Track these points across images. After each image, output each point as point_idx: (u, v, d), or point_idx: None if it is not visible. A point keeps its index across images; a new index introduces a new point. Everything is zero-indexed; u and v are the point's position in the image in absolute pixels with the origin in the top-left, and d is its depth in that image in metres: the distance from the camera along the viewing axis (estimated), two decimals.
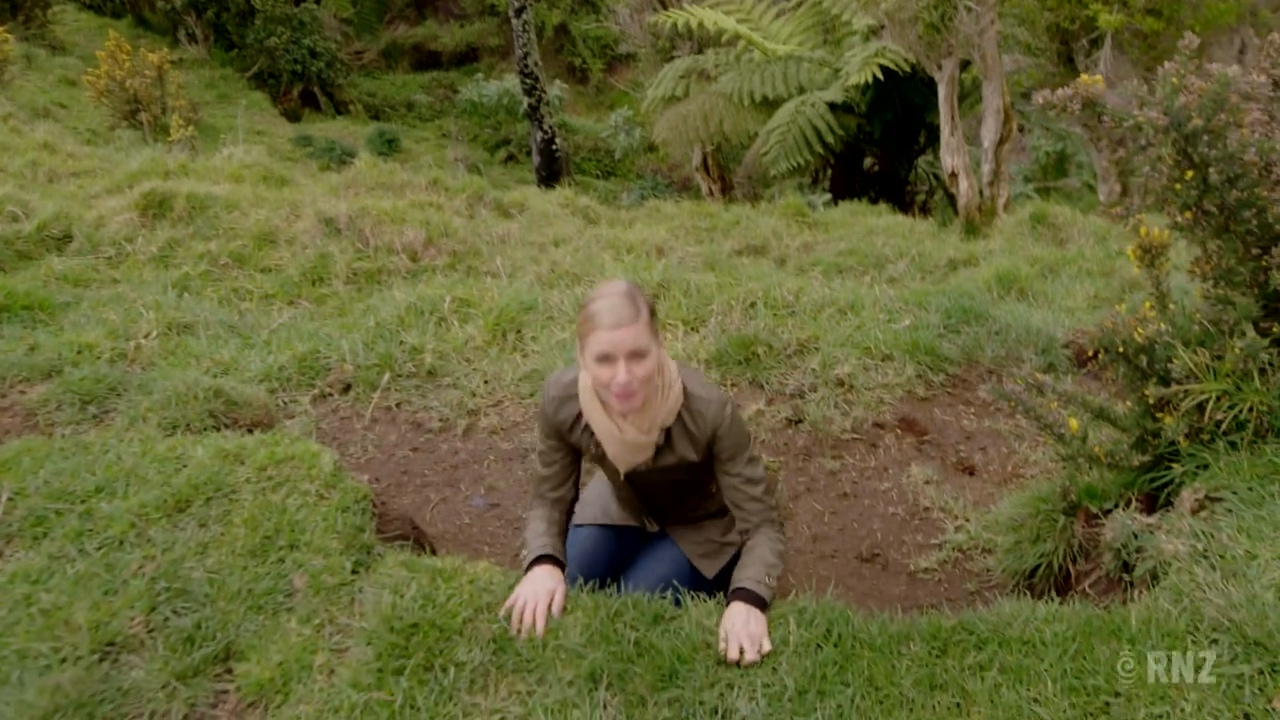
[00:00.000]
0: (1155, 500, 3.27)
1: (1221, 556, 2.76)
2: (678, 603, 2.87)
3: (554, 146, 17.36)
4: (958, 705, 2.48)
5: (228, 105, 22.31)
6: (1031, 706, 2.44)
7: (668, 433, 2.85)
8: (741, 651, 2.60)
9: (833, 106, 15.29)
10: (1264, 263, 3.13)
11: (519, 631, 2.70)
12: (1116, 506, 3.30)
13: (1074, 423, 3.31)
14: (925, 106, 15.98)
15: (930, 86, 14.77)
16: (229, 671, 2.74)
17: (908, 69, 14.36)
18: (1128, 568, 3.06)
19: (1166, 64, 3.23)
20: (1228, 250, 3.19)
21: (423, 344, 4.86)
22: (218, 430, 3.78)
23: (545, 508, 3.06)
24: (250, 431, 3.76)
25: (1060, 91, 3.30)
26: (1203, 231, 3.26)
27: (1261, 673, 2.44)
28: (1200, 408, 3.14)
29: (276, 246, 7.60)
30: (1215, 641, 2.55)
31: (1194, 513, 2.99)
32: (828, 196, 16.75)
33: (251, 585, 2.91)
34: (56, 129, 13.61)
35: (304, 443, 3.39)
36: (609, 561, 3.17)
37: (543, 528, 3.00)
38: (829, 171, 18.36)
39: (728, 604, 2.73)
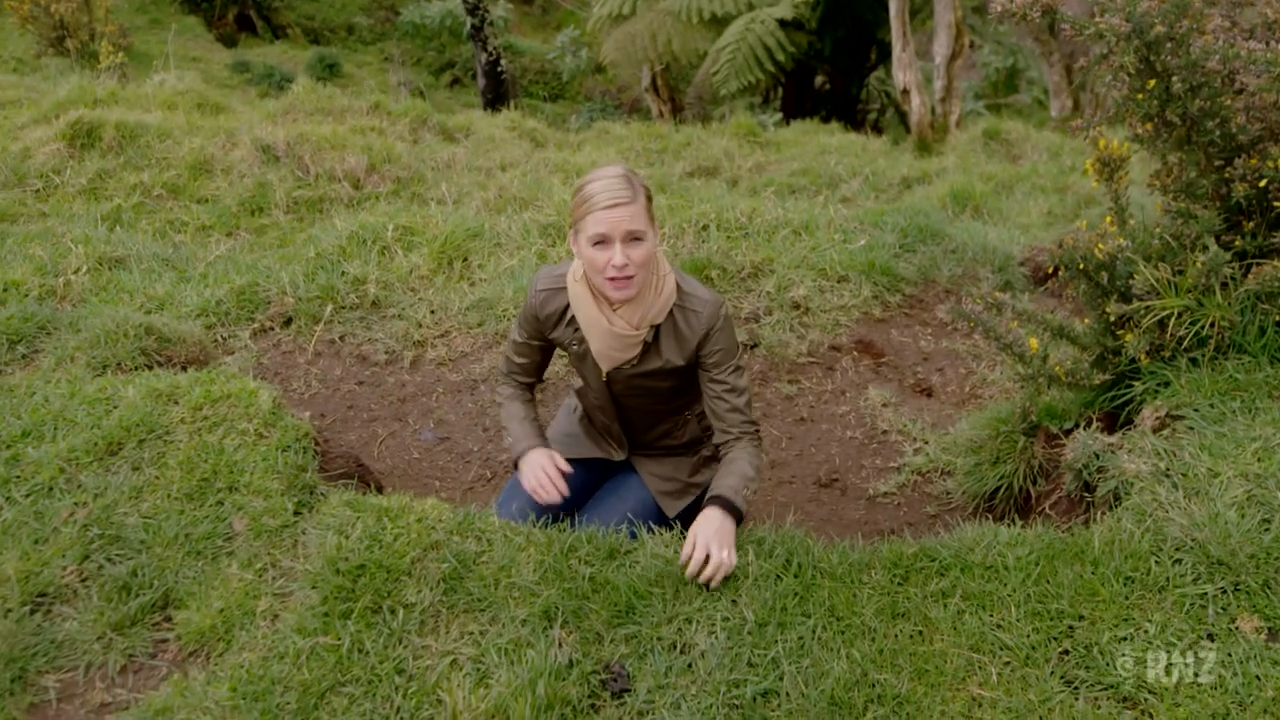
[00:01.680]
0: (1116, 419, 3.23)
1: (1184, 475, 2.72)
2: (634, 536, 2.80)
3: (499, 69, 16.93)
4: (920, 633, 2.44)
5: (160, 31, 21.50)
6: (995, 632, 2.41)
7: (656, 332, 2.75)
8: (707, 559, 2.52)
9: (783, 23, 15.06)
10: (1226, 174, 3.06)
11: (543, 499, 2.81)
12: (1077, 426, 3.26)
13: (1034, 342, 3.25)
14: (876, 23, 15.79)
15: (881, 2, 14.57)
16: (168, 620, 2.64)
17: None
18: (1089, 488, 3.02)
19: None
20: (1189, 162, 3.11)
21: (366, 274, 4.69)
22: (150, 369, 3.62)
23: (520, 393, 3.05)
24: (185, 370, 3.61)
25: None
26: (1164, 143, 3.19)
27: (1224, 592, 2.42)
28: (1161, 324, 3.08)
29: (213, 176, 7.33)
30: (1179, 561, 2.52)
31: (1155, 431, 2.95)
32: (779, 116, 16.55)
33: (189, 530, 2.80)
34: None
35: (241, 380, 3.25)
36: (569, 499, 3.06)
37: (525, 426, 2.96)
38: (780, 91, 18.15)
39: (703, 509, 2.65)
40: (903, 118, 15.14)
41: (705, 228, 5.03)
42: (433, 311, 4.57)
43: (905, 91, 12.08)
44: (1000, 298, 3.36)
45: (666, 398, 2.93)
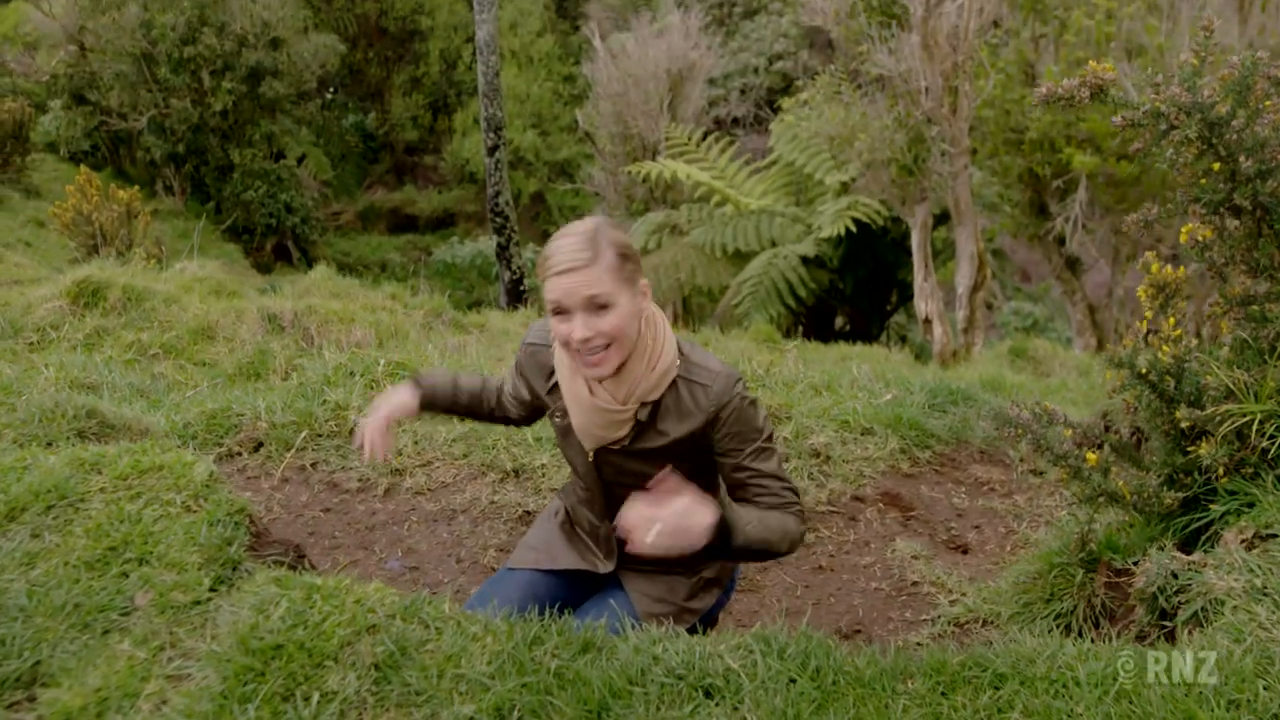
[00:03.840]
0: (1190, 551, 2.75)
1: None
2: (616, 631, 2.30)
3: (521, 287, 17.08)
4: None
5: (199, 256, 22.10)
6: None
7: (654, 408, 2.28)
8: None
9: (805, 260, 15.24)
10: None
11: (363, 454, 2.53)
12: (1145, 558, 2.77)
13: (1091, 455, 2.82)
14: (897, 264, 15.97)
15: (902, 245, 14.76)
16: (31, 699, 2.13)
17: (881, 223, 14.37)
18: (1165, 616, 2.51)
19: (1182, 55, 2.90)
20: (1262, 252, 2.77)
21: (348, 401, 4.32)
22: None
23: (488, 380, 2.75)
24: None
25: (1067, 82, 2.93)
26: (1228, 244, 2.86)
27: None
28: (1240, 435, 2.66)
29: (214, 342, 7.08)
30: None
31: (1246, 549, 2.47)
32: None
33: (81, 600, 2.32)
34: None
35: (176, 452, 2.83)
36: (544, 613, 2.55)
37: (439, 372, 2.72)
38: (800, 329, 18.21)
39: None
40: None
41: None
42: (416, 441, 4.16)
43: (927, 321, 11.99)
44: (1051, 408, 2.96)
45: None
